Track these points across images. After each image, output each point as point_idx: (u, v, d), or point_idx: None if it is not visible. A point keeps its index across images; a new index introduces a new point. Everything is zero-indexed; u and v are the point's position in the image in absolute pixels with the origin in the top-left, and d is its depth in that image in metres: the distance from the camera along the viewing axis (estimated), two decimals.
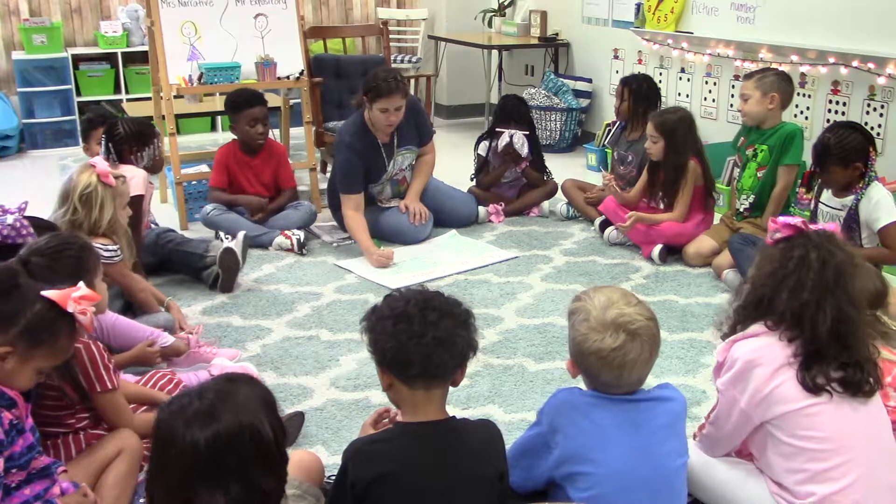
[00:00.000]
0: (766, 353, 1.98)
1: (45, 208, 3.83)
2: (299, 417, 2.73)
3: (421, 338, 1.78)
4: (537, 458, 1.97)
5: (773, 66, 4.70)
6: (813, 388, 1.93)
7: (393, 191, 4.65)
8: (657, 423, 1.94)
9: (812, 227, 2.06)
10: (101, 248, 3.09)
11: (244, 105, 4.50)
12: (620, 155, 4.88)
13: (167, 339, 3.00)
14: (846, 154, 3.50)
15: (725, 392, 2.04)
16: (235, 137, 4.59)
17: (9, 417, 1.83)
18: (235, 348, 3.30)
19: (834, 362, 1.94)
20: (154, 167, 3.96)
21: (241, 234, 3.93)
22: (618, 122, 5.16)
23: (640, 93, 4.77)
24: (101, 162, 3.17)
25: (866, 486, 1.91)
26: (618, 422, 1.91)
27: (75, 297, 1.91)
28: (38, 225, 2.64)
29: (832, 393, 1.93)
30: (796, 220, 2.07)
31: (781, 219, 2.09)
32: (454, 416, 1.91)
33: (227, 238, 3.99)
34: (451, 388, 1.92)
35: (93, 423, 2.31)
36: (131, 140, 3.83)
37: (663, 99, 5.90)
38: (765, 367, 1.96)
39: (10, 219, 2.43)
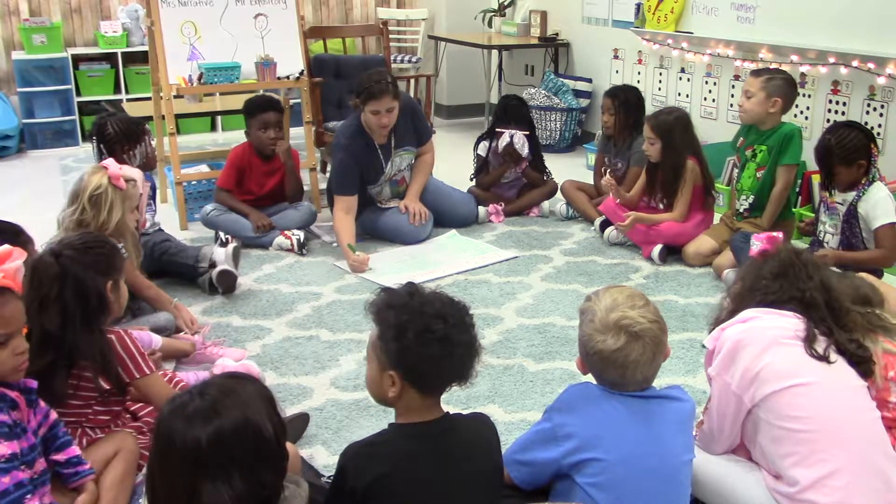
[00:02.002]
0: (754, 333, 2.03)
1: (45, 208, 3.84)
2: (303, 419, 2.73)
3: (451, 357, 1.80)
4: (543, 451, 1.98)
5: (774, 65, 4.70)
6: (821, 356, 1.99)
7: (392, 191, 4.65)
8: (667, 419, 1.97)
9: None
10: None
11: (257, 109, 4.53)
12: (611, 162, 4.89)
13: (158, 342, 3.00)
14: (848, 153, 3.53)
15: (717, 378, 2.08)
16: (248, 140, 4.61)
17: (5, 419, 1.82)
18: (239, 348, 3.30)
19: (835, 331, 2.05)
20: (147, 165, 3.94)
21: (230, 247, 3.92)
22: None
23: (628, 105, 4.76)
24: (113, 164, 3.19)
25: (854, 471, 1.93)
26: (630, 412, 1.94)
27: None
28: (2, 230, 2.67)
29: (834, 360, 2.01)
30: (778, 235, 2.28)
31: (764, 234, 2.30)
32: (448, 413, 1.90)
33: (226, 239, 3.98)
34: (450, 389, 1.92)
35: (106, 423, 2.33)
36: (122, 139, 3.82)
37: (663, 99, 5.92)
38: (753, 346, 2.01)
39: None
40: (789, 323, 2.05)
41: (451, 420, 1.89)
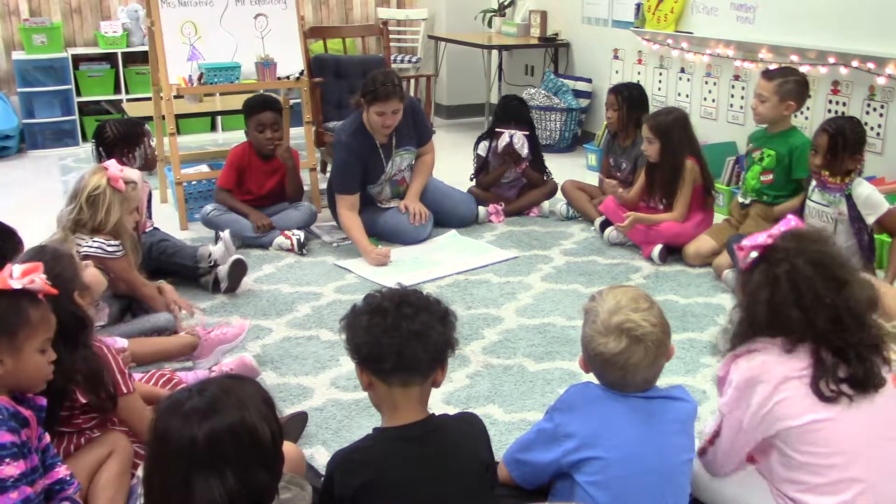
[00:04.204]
0: (768, 368, 1.93)
1: (45, 208, 3.85)
2: (302, 418, 2.73)
3: (395, 330, 1.77)
4: (545, 452, 1.97)
5: (774, 65, 4.69)
6: (829, 397, 1.88)
7: (392, 191, 4.65)
8: (668, 418, 1.96)
9: (775, 232, 2.00)
10: (103, 244, 3.14)
11: (253, 109, 4.53)
12: (616, 161, 4.89)
13: (123, 343, 2.98)
14: (860, 143, 3.62)
15: (729, 415, 1.98)
16: (248, 140, 4.62)
17: (9, 439, 1.81)
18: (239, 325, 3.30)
19: (842, 362, 1.89)
20: (147, 166, 3.94)
21: (225, 233, 3.94)
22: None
23: (632, 101, 4.76)
24: (114, 165, 3.20)
25: (868, 500, 1.89)
26: (630, 411, 1.93)
27: (14, 276, 1.88)
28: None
29: (849, 397, 1.88)
30: (761, 238, 2.01)
31: (746, 241, 2.03)
32: (433, 414, 1.89)
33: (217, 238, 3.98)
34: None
35: (100, 423, 2.32)
36: (121, 142, 3.82)
37: (663, 99, 5.92)
38: (766, 383, 1.91)
39: None
40: (799, 357, 1.92)
41: (434, 421, 1.87)
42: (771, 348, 1.96)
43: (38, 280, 1.89)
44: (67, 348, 2.12)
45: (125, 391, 2.27)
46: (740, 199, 4.22)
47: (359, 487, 1.75)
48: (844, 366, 1.90)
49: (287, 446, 1.69)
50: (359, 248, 4.30)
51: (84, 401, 2.23)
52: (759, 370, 1.93)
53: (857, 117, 3.91)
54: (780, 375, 1.91)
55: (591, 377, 2.04)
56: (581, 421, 1.94)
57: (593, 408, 1.95)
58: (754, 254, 2.01)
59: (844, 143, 3.58)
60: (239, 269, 3.83)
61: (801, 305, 1.91)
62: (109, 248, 3.15)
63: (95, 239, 3.14)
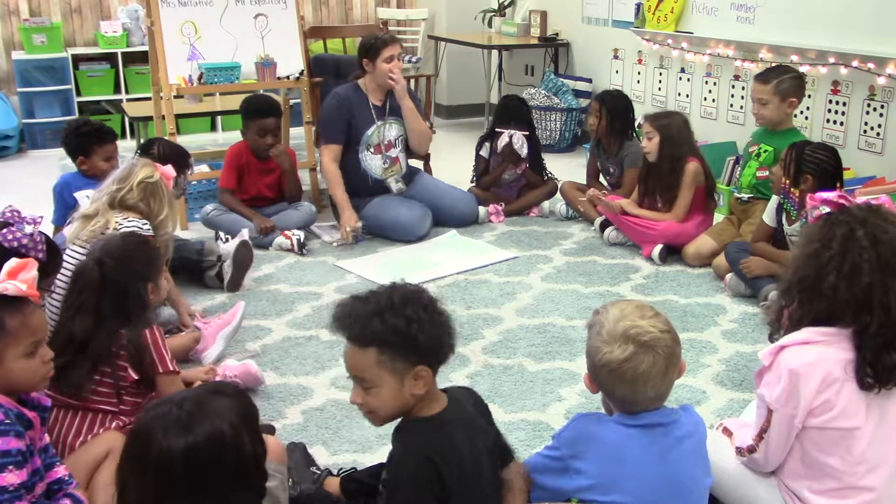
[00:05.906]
0: (817, 367, 1.88)
1: (45, 208, 3.84)
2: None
3: (446, 324, 1.85)
4: (558, 480, 1.92)
5: (773, 65, 4.69)
6: (874, 384, 1.84)
7: (385, 168, 4.65)
8: (684, 449, 1.88)
9: (856, 200, 1.96)
10: (138, 223, 3.14)
11: (256, 114, 4.49)
12: (604, 166, 4.91)
13: None
14: (829, 177, 3.46)
15: (780, 410, 1.92)
16: (245, 140, 4.60)
17: (15, 445, 1.80)
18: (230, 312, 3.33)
19: (882, 350, 1.84)
20: (176, 195, 3.92)
21: (245, 231, 3.96)
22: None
23: (615, 112, 4.74)
24: (168, 168, 3.30)
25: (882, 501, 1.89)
26: (644, 447, 1.85)
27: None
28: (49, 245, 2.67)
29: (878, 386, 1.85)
30: (834, 195, 1.96)
31: (819, 194, 1.98)
32: (445, 391, 1.96)
33: (226, 238, 3.98)
34: None
35: (135, 410, 2.35)
36: (164, 162, 3.73)
37: (663, 99, 5.92)
38: (813, 382, 1.87)
39: (28, 229, 2.36)
40: (844, 353, 1.89)
41: (454, 398, 1.94)
42: (822, 342, 1.90)
43: (13, 285, 1.80)
44: (117, 322, 2.28)
45: (164, 370, 2.34)
46: (737, 195, 4.22)
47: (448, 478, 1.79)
48: (882, 354, 1.85)
49: (267, 438, 1.69)
50: (337, 206, 4.42)
51: (136, 377, 2.31)
52: (807, 368, 1.88)
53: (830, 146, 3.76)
54: (820, 375, 1.87)
55: (598, 407, 2.00)
56: (591, 460, 1.86)
57: (605, 446, 1.86)
58: (825, 208, 1.96)
59: (823, 175, 3.42)
60: (245, 253, 3.83)
61: (840, 272, 1.87)
62: (145, 227, 3.17)
63: (131, 218, 3.14)
